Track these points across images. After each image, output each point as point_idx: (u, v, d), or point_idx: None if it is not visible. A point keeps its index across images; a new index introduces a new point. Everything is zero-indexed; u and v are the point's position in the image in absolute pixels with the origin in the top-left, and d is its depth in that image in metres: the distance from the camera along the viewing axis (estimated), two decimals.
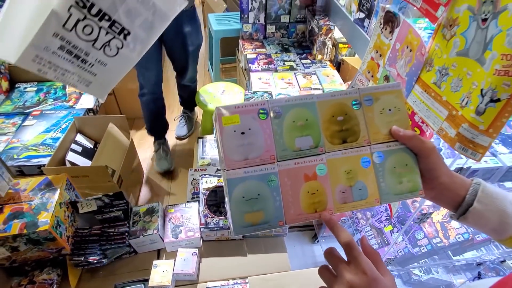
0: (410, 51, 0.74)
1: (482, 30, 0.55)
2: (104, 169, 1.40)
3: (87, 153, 1.64)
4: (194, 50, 1.94)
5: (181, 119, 2.46)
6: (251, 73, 1.90)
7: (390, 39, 0.82)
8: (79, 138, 1.66)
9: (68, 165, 1.49)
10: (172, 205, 1.30)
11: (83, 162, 1.58)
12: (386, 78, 0.86)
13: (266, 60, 2.00)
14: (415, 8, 0.72)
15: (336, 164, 0.49)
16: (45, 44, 0.76)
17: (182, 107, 2.48)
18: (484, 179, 0.77)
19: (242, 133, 0.47)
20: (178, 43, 1.84)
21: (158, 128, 2.17)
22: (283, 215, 0.46)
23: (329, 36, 1.94)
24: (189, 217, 1.27)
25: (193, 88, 2.26)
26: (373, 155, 0.50)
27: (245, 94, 1.74)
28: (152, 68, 1.81)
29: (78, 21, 0.77)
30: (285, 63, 1.99)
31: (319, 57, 2.03)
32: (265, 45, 2.16)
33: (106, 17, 0.80)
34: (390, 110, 0.51)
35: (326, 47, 1.99)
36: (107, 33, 0.82)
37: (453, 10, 0.61)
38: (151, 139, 2.21)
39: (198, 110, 2.57)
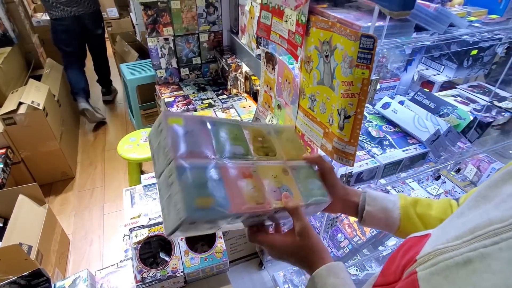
0: (289, 83, 0.87)
1: (327, 64, 0.68)
2: (18, 247, 1.26)
3: None
4: None
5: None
6: None
7: (274, 74, 0.95)
8: None
9: None
10: (102, 268, 1.22)
11: None
12: (279, 106, 0.98)
13: (184, 101, 2.07)
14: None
15: (264, 170, 0.56)
16: None
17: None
18: (370, 177, 0.92)
19: (186, 132, 0.51)
20: None
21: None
22: (230, 204, 0.47)
23: (239, 71, 2.10)
24: (123, 277, 1.20)
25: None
26: (289, 168, 0.60)
27: None
28: None
29: None
30: (203, 101, 2.08)
31: (234, 91, 2.17)
32: (182, 87, 2.23)
33: None
34: (292, 141, 0.66)
35: (239, 81, 2.14)
36: None
37: (307, 49, 0.74)
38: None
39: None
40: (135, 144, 2.00)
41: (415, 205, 0.64)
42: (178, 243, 1.23)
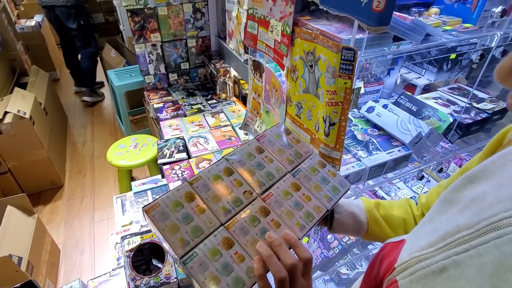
0: (276, 90, 0.90)
1: (312, 74, 0.71)
2: (8, 259, 1.25)
3: None
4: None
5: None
6: (161, 122, 1.94)
7: (261, 82, 0.97)
8: None
9: None
10: (95, 278, 1.22)
11: None
12: (267, 112, 1.01)
13: (174, 107, 2.07)
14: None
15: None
16: None
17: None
18: (357, 180, 0.95)
19: None
20: None
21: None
22: None
23: (228, 76, 2.12)
24: (116, 286, 1.20)
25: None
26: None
27: (158, 144, 1.76)
28: None
29: None
30: (193, 106, 2.09)
31: (223, 96, 2.19)
32: (171, 93, 2.23)
33: None
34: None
35: (227, 86, 2.16)
36: None
37: (292, 59, 0.77)
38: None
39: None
40: (125, 151, 2.00)
41: (378, 207, 0.66)
42: None
